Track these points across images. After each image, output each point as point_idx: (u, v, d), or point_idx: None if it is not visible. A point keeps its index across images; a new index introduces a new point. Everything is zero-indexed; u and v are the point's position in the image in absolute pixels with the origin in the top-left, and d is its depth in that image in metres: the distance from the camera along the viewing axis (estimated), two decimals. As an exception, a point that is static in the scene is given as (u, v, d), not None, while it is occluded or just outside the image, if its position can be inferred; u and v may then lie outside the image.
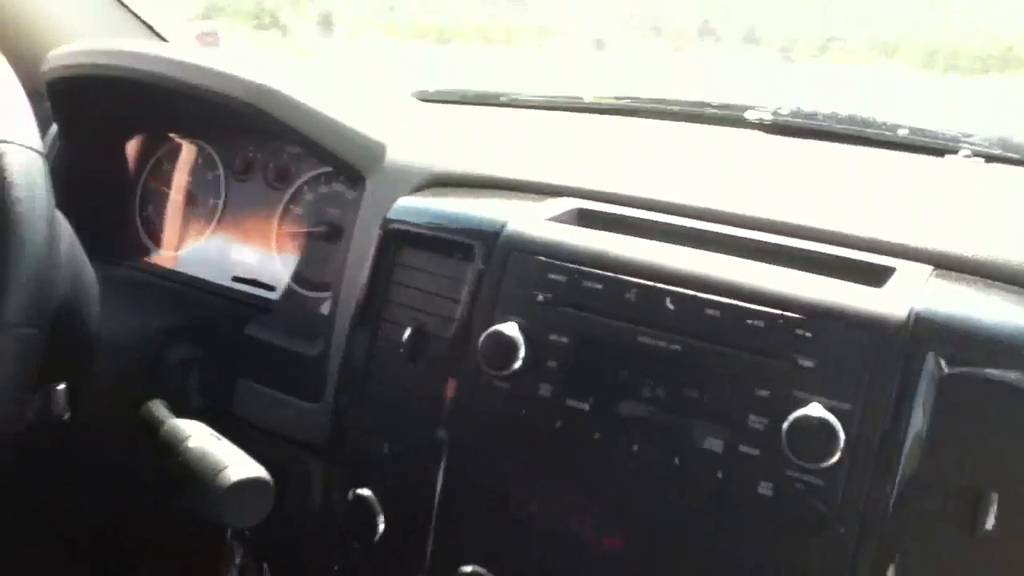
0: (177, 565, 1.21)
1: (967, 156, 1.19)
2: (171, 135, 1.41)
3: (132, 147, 1.43)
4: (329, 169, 1.25)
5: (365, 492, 0.94)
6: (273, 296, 1.26)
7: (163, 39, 1.59)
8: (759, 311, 0.79)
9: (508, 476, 0.87)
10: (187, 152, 1.40)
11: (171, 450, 0.88)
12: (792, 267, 0.82)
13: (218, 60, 1.24)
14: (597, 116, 1.48)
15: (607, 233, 0.90)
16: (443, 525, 0.90)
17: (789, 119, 1.33)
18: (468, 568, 0.87)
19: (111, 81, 1.29)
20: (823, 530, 0.73)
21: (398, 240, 1.00)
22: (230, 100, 1.17)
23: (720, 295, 0.81)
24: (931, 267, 0.81)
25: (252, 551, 1.10)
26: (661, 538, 0.80)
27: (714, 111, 1.40)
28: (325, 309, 1.17)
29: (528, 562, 0.86)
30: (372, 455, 0.96)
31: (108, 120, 1.39)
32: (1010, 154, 1.19)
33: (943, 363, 0.72)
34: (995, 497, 0.69)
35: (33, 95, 0.84)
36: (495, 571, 0.86)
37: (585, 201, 0.99)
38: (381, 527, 0.93)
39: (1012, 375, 0.71)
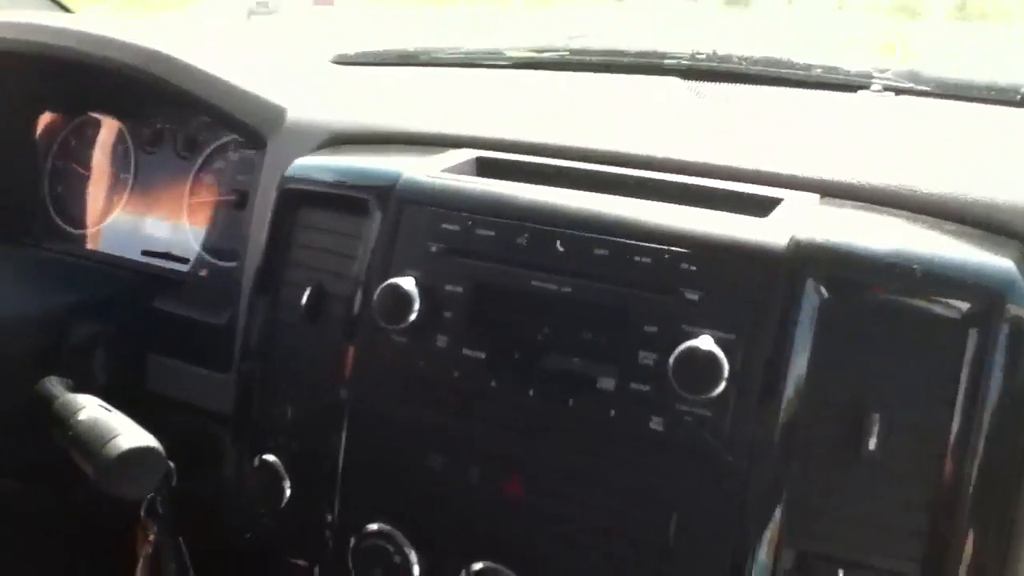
0: (93, 547, 1.19)
1: (878, 91, 1.18)
2: (78, 111, 1.37)
3: (39, 126, 1.39)
4: (236, 137, 1.22)
5: (270, 458, 0.93)
6: (185, 268, 1.23)
7: (67, 10, 1.55)
8: (646, 247, 0.78)
9: (409, 431, 0.86)
10: (95, 128, 1.36)
11: (63, 424, 0.86)
12: (682, 203, 0.81)
13: (119, 30, 1.21)
14: (518, 70, 1.46)
15: (499, 180, 0.89)
16: (348, 485, 0.88)
17: (704, 63, 1.32)
18: (374, 526, 0.86)
19: (10, 57, 1.25)
20: (714, 461, 0.73)
21: (296, 200, 0.98)
22: (126, 68, 1.14)
23: (608, 234, 0.79)
24: (818, 196, 0.80)
25: (168, 527, 1.08)
26: (559, 481, 0.79)
27: (631, 59, 1.39)
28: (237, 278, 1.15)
29: (432, 515, 0.85)
30: (276, 421, 0.94)
31: (11, 99, 1.35)
32: (919, 86, 1.19)
33: (823, 288, 0.72)
34: (876, 418, 0.69)
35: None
36: (400, 527, 0.85)
37: (486, 151, 0.97)
38: (287, 492, 0.92)
39: (889, 296, 0.70)
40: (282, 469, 0.93)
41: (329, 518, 0.89)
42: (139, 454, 0.81)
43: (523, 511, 0.81)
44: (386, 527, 0.86)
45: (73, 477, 1.12)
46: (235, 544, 1.01)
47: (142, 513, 1.16)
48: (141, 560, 1.08)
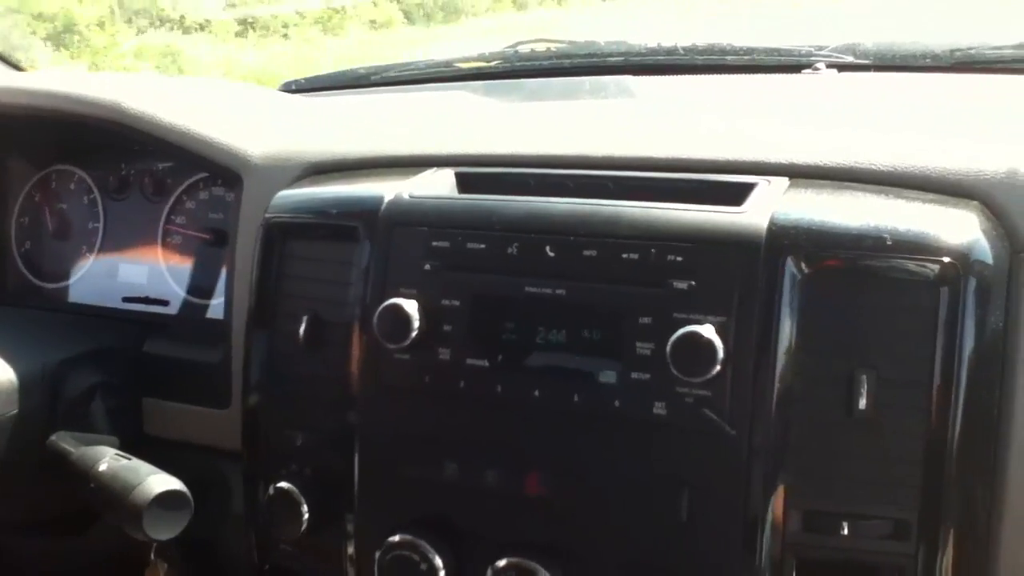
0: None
1: (819, 69, 1.24)
2: (40, 166, 1.37)
3: (1, 184, 1.39)
4: (205, 175, 1.24)
5: (285, 485, 0.95)
6: (168, 311, 1.25)
7: (19, 68, 1.54)
8: (633, 244, 0.82)
9: (422, 443, 0.89)
10: (58, 180, 1.36)
11: (83, 478, 0.87)
12: (660, 199, 0.85)
13: (74, 83, 1.22)
14: (470, 82, 1.49)
15: (484, 195, 0.92)
16: (366, 502, 0.91)
17: (650, 58, 1.37)
18: (396, 538, 0.88)
19: None
20: (716, 437, 0.78)
21: (281, 233, 1.00)
22: (88, 120, 1.15)
23: (595, 236, 0.84)
24: (787, 179, 0.85)
25: (177, 567, 1.10)
26: (575, 474, 0.83)
27: (578, 61, 1.43)
28: (220, 314, 1.17)
29: (453, 520, 0.88)
30: (287, 449, 0.96)
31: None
32: (860, 61, 1.25)
33: (803, 265, 0.77)
34: (864, 379, 0.74)
35: None
36: (423, 535, 0.87)
37: (462, 167, 1.00)
38: (306, 516, 0.94)
39: (865, 266, 0.76)
40: (298, 494, 0.95)
41: (351, 536, 0.92)
42: (169, 497, 0.83)
43: (541, 505, 0.85)
44: (409, 537, 0.88)
45: (76, 527, 1.14)
46: None
47: (152, 555, 1.18)
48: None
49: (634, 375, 0.80)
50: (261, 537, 1.01)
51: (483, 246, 0.87)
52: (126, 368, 1.13)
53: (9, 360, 1.00)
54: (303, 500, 0.94)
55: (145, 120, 1.12)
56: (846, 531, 0.76)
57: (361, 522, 0.92)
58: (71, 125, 1.19)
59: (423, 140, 1.07)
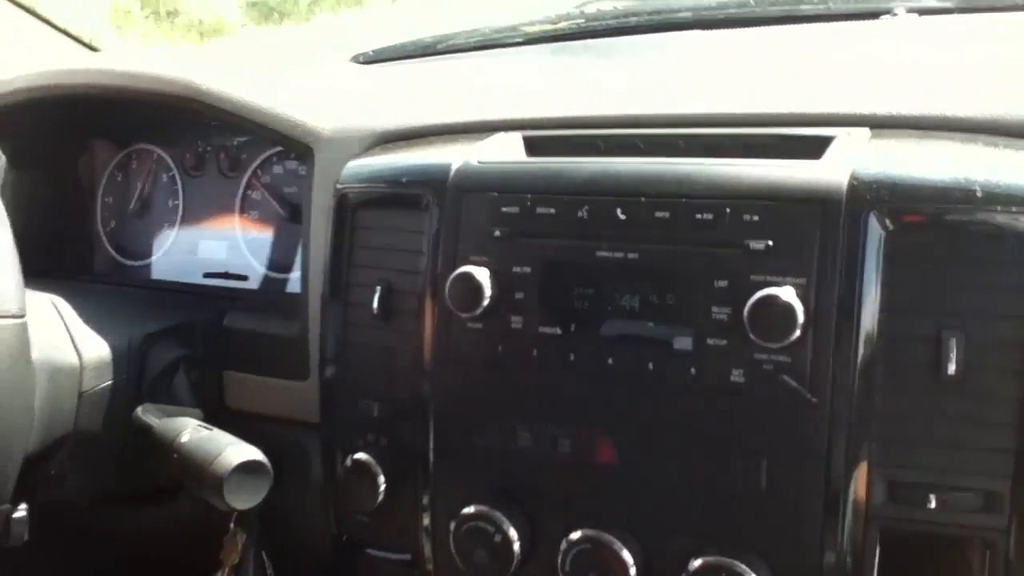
0: (184, 562, 1.23)
1: (898, 14, 1.18)
2: (121, 146, 1.41)
3: (84, 164, 1.43)
4: (279, 149, 1.25)
5: (362, 456, 0.96)
6: (247, 285, 1.27)
7: (94, 49, 1.58)
8: (706, 204, 0.79)
9: (495, 412, 0.89)
10: (138, 159, 1.40)
11: (166, 449, 0.89)
12: (735, 156, 0.82)
13: (147, 63, 1.24)
14: (537, 45, 1.47)
15: (552, 158, 0.91)
16: (441, 473, 0.91)
17: (719, 12, 1.32)
18: (471, 508, 0.88)
19: (51, 101, 1.29)
20: (797, 404, 0.75)
21: (353, 204, 1.01)
22: (164, 99, 1.17)
23: (667, 196, 0.81)
24: (868, 130, 0.81)
25: (257, 536, 1.12)
26: (650, 443, 0.82)
27: (646, 19, 1.39)
28: (298, 288, 1.18)
29: (528, 490, 0.87)
30: (364, 420, 0.97)
31: (55, 141, 1.39)
32: (942, 3, 1.19)
33: (888, 221, 0.73)
34: (953, 342, 0.71)
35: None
36: (498, 506, 0.87)
37: (530, 131, 0.99)
38: (383, 487, 0.95)
39: (954, 219, 0.72)
40: (375, 466, 0.96)
41: (427, 507, 0.93)
42: (249, 466, 0.84)
43: (616, 476, 0.84)
44: (484, 508, 0.88)
45: (159, 499, 1.17)
46: (324, 549, 1.04)
47: (231, 524, 1.21)
48: (228, 569, 1.12)
49: (710, 341, 0.78)
50: (339, 508, 1.02)
51: (553, 210, 0.86)
52: (208, 342, 1.16)
53: (100, 335, 1.03)
54: (379, 471, 0.95)
55: (216, 96, 1.13)
56: (933, 503, 0.72)
57: (436, 493, 0.92)
58: (146, 104, 1.21)
59: (489, 105, 1.06)
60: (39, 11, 1.46)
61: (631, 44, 1.36)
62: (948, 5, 1.17)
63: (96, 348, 1.02)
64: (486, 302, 0.87)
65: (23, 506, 0.92)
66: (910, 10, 1.18)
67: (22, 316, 0.81)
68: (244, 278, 1.28)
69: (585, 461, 0.84)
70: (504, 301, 0.87)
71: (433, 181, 0.93)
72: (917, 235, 0.73)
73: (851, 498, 0.75)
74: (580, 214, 0.85)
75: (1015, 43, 1.07)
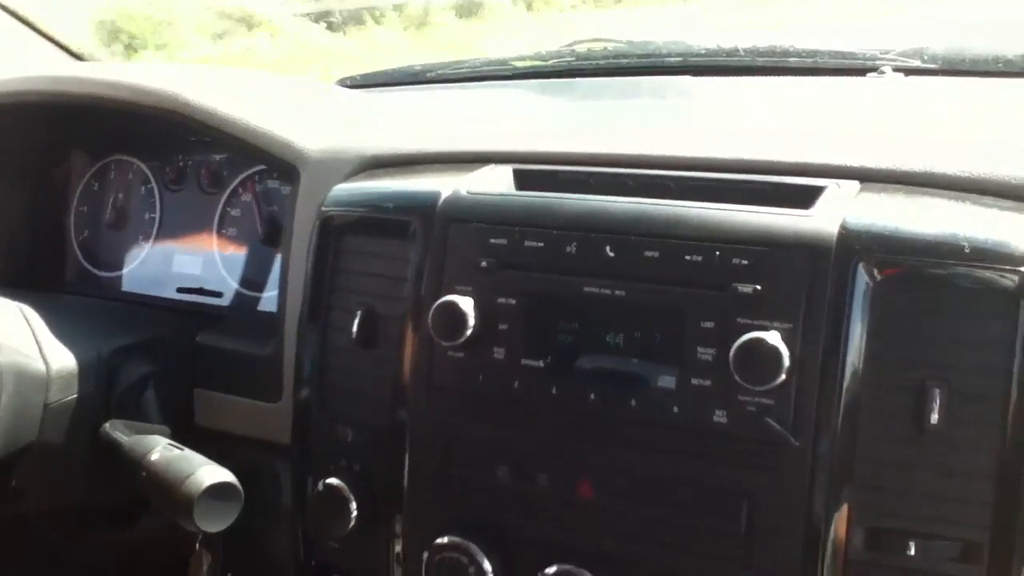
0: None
1: (884, 73, 1.21)
2: (98, 156, 1.39)
3: (60, 173, 1.41)
4: (261, 168, 1.24)
5: (334, 481, 0.94)
6: (221, 302, 1.25)
7: (80, 58, 1.57)
8: (696, 246, 0.80)
9: (474, 443, 0.88)
10: (117, 170, 1.38)
11: (135, 466, 0.87)
12: (727, 201, 0.83)
13: (133, 74, 1.23)
14: (526, 80, 1.48)
15: (541, 192, 0.91)
16: (416, 501, 0.90)
17: (708, 59, 1.34)
18: (445, 539, 0.87)
19: (29, 108, 1.27)
20: (779, 447, 0.75)
21: (337, 227, 1.00)
22: (147, 111, 1.16)
23: (657, 236, 0.82)
24: (858, 183, 0.83)
25: (221, 559, 1.10)
26: (628, 480, 0.81)
27: (636, 61, 1.41)
28: (274, 308, 1.17)
29: (504, 523, 0.86)
30: (337, 444, 0.96)
31: (32, 149, 1.37)
32: (927, 65, 1.21)
33: (874, 272, 0.74)
34: (937, 392, 0.71)
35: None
36: (473, 538, 0.86)
37: (519, 164, 0.99)
38: (354, 513, 0.93)
39: (938, 272, 0.73)
40: (347, 491, 0.94)
41: (400, 536, 0.91)
42: (220, 489, 0.83)
43: (594, 512, 0.83)
44: (458, 539, 0.87)
45: (125, 518, 1.14)
46: (291, 573, 1.02)
47: (197, 545, 1.18)
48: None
49: (694, 381, 0.78)
50: (308, 533, 1.00)
51: (541, 244, 0.86)
52: (179, 358, 1.14)
53: (68, 346, 1.01)
54: (352, 497, 0.94)
55: (204, 111, 1.12)
56: (913, 551, 0.72)
57: (410, 522, 0.91)
58: (130, 115, 1.20)
59: (480, 136, 1.06)
60: (24, 14, 1.45)
61: (620, 85, 1.38)
62: (932, 67, 1.20)
63: (64, 359, 1.00)
64: (469, 332, 0.86)
65: None
66: (896, 69, 1.20)
67: None
68: (218, 295, 1.26)
69: (563, 496, 0.84)
70: (487, 332, 0.86)
71: (421, 209, 0.93)
72: (904, 286, 0.74)
73: (831, 543, 0.74)
74: (569, 249, 0.85)
75: (997, 106, 1.10)
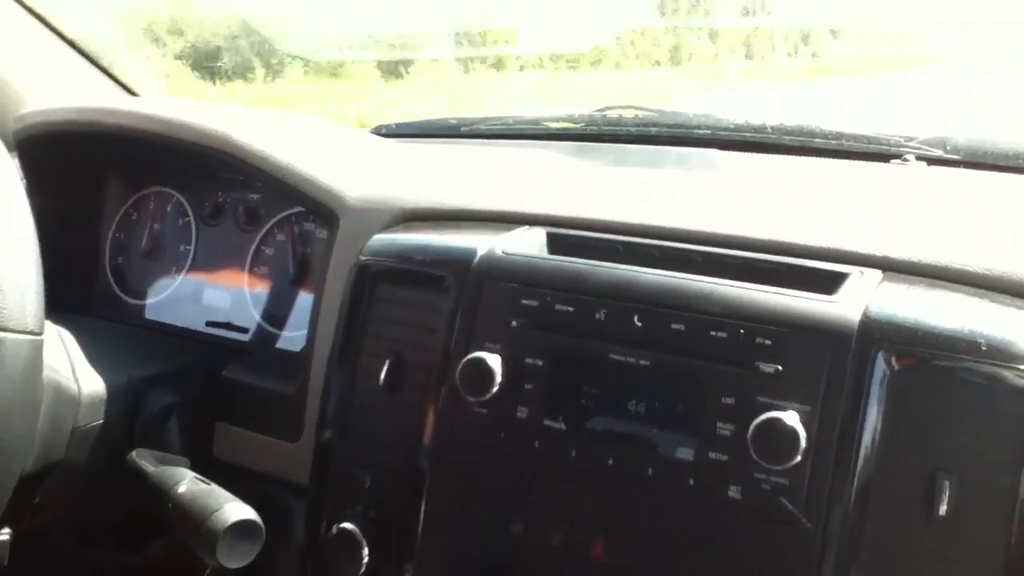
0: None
1: (908, 161, 1.24)
2: (140, 187, 1.43)
3: (100, 199, 1.45)
4: (299, 209, 1.27)
5: (348, 526, 0.96)
6: (246, 338, 1.28)
7: (133, 93, 1.61)
8: (721, 323, 0.83)
9: (490, 498, 0.90)
10: (156, 201, 1.41)
11: (161, 497, 0.89)
12: (752, 280, 0.86)
13: (183, 111, 1.27)
14: (557, 141, 1.52)
15: (574, 258, 0.94)
16: (428, 551, 0.92)
17: (738, 134, 1.38)
18: None
19: (81, 137, 1.31)
20: (791, 526, 0.77)
21: (373, 276, 1.03)
22: (197, 148, 1.20)
23: (684, 310, 0.85)
24: (881, 272, 0.86)
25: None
26: (640, 546, 0.83)
27: (666, 130, 1.45)
28: (298, 348, 1.19)
29: None
30: (355, 489, 0.98)
31: (77, 174, 1.40)
32: (950, 155, 1.25)
33: (893, 361, 0.77)
34: (947, 484, 0.74)
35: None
36: None
37: (553, 228, 1.02)
38: (366, 559, 0.95)
39: (956, 366, 0.75)
40: (360, 536, 0.96)
41: (411, 584, 0.93)
42: (244, 526, 0.85)
43: (605, 572, 0.85)
44: None
45: (137, 544, 1.16)
46: None
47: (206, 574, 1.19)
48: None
49: (712, 455, 0.81)
50: (318, 574, 1.02)
51: (571, 308, 0.89)
52: (203, 391, 1.16)
53: (100, 371, 1.03)
54: (364, 543, 0.95)
55: (251, 153, 1.16)
56: None
57: (421, 571, 0.93)
58: (176, 150, 1.24)
59: (515, 197, 1.10)
60: (83, 46, 1.49)
61: (649, 152, 1.41)
62: (954, 158, 1.24)
63: (95, 384, 1.03)
64: (495, 389, 0.89)
65: (6, 530, 0.91)
66: (920, 158, 1.24)
67: (40, 335, 0.82)
68: (245, 331, 1.29)
69: (576, 554, 0.85)
70: (513, 390, 0.89)
71: (457, 264, 0.96)
72: (921, 377, 0.77)
73: None
74: (598, 316, 0.88)
75: (1017, 201, 1.13)
